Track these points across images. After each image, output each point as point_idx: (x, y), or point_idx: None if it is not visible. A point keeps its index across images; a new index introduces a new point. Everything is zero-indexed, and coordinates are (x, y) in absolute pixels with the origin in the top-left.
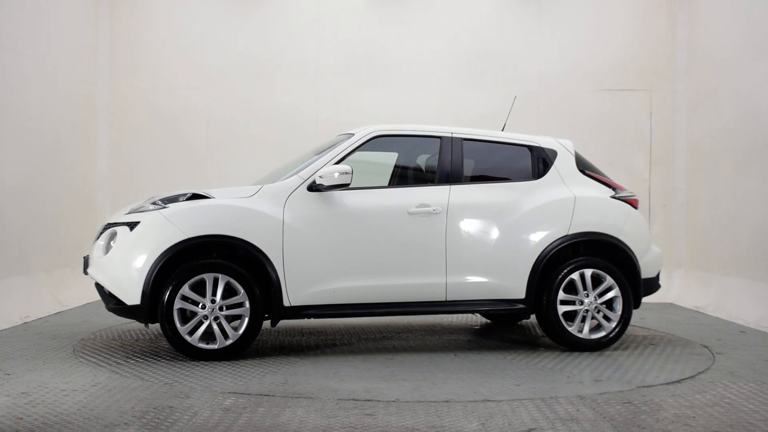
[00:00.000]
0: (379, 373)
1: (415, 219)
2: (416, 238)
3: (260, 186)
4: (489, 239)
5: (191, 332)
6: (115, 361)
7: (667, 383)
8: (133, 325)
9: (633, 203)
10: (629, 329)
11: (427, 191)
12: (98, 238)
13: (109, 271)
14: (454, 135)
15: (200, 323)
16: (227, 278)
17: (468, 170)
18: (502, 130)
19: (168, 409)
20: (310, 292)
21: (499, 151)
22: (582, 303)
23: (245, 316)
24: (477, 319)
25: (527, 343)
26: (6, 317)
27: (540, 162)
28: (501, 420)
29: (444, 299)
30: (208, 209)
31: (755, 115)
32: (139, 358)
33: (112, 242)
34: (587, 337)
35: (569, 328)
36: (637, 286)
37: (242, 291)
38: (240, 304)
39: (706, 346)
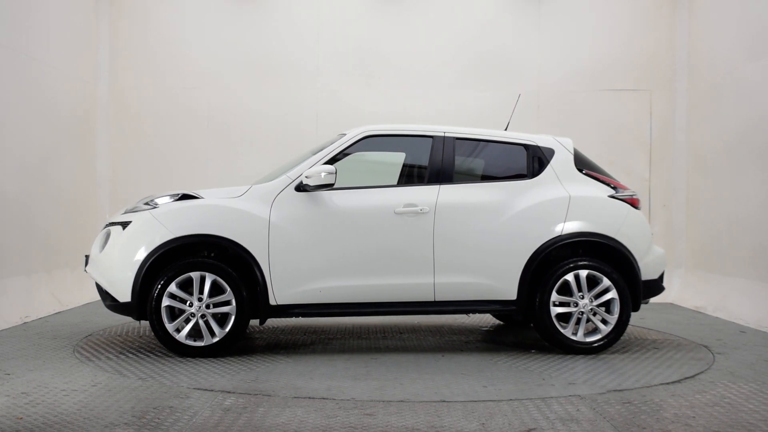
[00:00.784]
0: (354, 372)
1: (401, 219)
2: (403, 238)
3: (249, 186)
4: (478, 239)
5: (180, 329)
6: (115, 361)
7: (667, 383)
8: (133, 324)
9: (633, 203)
10: (630, 329)
11: (416, 191)
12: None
13: (103, 269)
14: (446, 134)
15: (188, 320)
16: (213, 276)
17: (461, 170)
18: (506, 129)
19: (168, 409)
20: (296, 291)
21: (494, 151)
22: (577, 305)
23: (232, 315)
24: (489, 320)
25: (528, 345)
26: (6, 317)
27: (536, 161)
28: (501, 420)
29: (432, 299)
30: (196, 209)
31: (755, 115)
32: (139, 357)
33: (107, 241)
34: (581, 340)
35: (563, 330)
36: (636, 288)
37: (228, 289)
38: (227, 303)
39: (706, 346)
